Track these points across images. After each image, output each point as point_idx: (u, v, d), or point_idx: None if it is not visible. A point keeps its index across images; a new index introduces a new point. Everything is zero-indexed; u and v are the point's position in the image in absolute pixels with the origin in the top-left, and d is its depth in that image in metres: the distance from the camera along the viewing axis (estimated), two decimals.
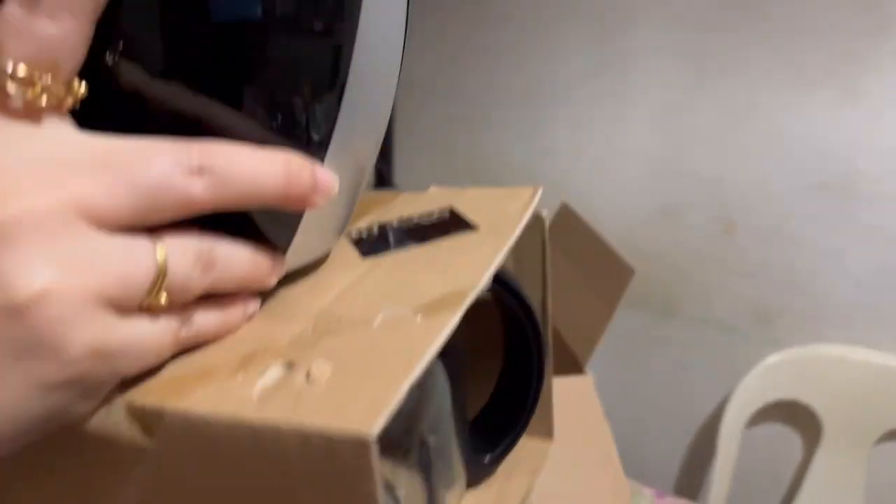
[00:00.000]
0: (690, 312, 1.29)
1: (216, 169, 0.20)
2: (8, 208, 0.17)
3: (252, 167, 0.21)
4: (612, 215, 1.24)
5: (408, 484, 0.29)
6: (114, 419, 0.20)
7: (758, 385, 1.18)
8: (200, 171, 0.20)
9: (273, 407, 0.19)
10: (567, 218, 0.71)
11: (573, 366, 0.61)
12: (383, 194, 0.37)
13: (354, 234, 0.32)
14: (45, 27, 0.18)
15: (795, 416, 1.23)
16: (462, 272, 0.26)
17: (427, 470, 0.30)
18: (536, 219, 0.34)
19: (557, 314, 0.67)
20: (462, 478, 0.34)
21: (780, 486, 1.26)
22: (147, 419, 0.20)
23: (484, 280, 0.25)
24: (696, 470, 1.34)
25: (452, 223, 0.32)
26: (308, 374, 0.20)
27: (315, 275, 0.28)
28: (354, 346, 0.22)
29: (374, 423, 0.17)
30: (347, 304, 0.25)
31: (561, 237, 0.71)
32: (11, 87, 0.18)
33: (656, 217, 1.26)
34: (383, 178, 1.32)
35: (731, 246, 1.21)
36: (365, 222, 0.34)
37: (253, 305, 0.25)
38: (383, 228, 0.32)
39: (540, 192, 0.35)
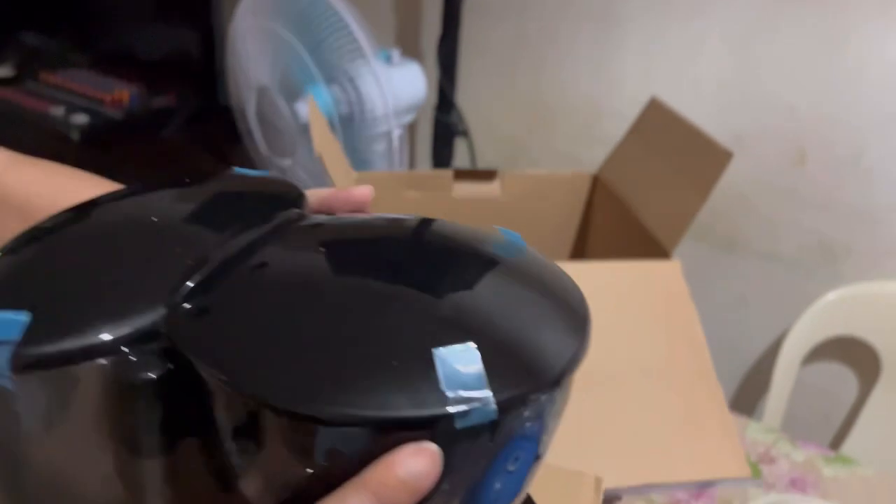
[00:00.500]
0: (755, 246, 1.27)
1: None
2: None
3: None
4: None
5: None
6: None
7: (817, 320, 1.17)
8: None
9: None
10: (656, 111, 0.70)
11: (659, 252, 0.61)
12: None
13: None
14: None
15: (854, 354, 1.22)
16: None
17: None
18: None
19: (642, 206, 0.67)
20: None
21: (833, 422, 1.25)
22: None
23: None
24: (750, 404, 1.34)
25: None
26: None
27: None
28: None
29: None
30: None
31: (650, 131, 0.70)
32: None
33: (726, 146, 1.23)
34: (445, 96, 1.31)
35: (801, 178, 1.19)
36: None
37: None
38: None
39: (603, 486, 0.38)
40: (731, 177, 1.27)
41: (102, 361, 0.21)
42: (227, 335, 0.21)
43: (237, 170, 0.33)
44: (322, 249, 0.26)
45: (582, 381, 0.56)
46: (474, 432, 0.20)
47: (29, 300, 0.22)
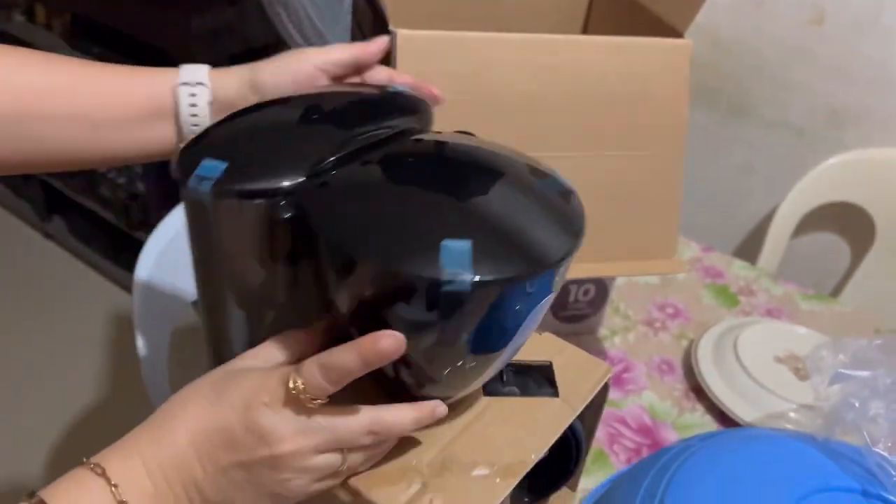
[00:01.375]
0: (763, 112, 1.25)
1: (381, 432, 0.36)
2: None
3: (399, 423, 0.36)
4: None
5: None
6: (336, 490, 0.38)
7: (817, 184, 1.16)
8: (372, 433, 0.36)
9: None
10: None
11: (670, 32, 0.60)
12: None
13: None
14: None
15: (849, 221, 1.21)
16: (534, 437, 0.42)
17: None
18: (604, 387, 0.48)
19: None
20: None
21: (823, 289, 1.27)
22: (352, 493, 0.38)
23: (543, 451, 0.42)
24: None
25: (545, 378, 0.46)
26: (430, 501, 0.37)
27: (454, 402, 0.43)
28: (458, 487, 0.38)
29: None
30: (462, 448, 0.41)
31: None
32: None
33: (742, 4, 1.19)
34: None
35: (817, 38, 1.15)
36: None
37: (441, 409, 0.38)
38: (504, 371, 0.45)
39: (611, 374, 0.48)
40: (745, 37, 1.24)
41: (261, 201, 0.35)
42: (333, 205, 0.34)
43: (394, 87, 0.46)
44: (411, 159, 0.38)
45: (554, 150, 0.57)
46: (457, 294, 0.31)
47: (228, 154, 0.36)
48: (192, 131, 0.45)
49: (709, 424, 0.70)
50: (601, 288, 0.74)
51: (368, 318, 0.35)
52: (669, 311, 0.85)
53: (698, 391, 0.73)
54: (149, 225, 0.81)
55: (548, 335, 0.50)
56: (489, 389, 0.44)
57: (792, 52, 1.19)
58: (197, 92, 0.45)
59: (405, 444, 0.40)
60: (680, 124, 0.60)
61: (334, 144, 0.37)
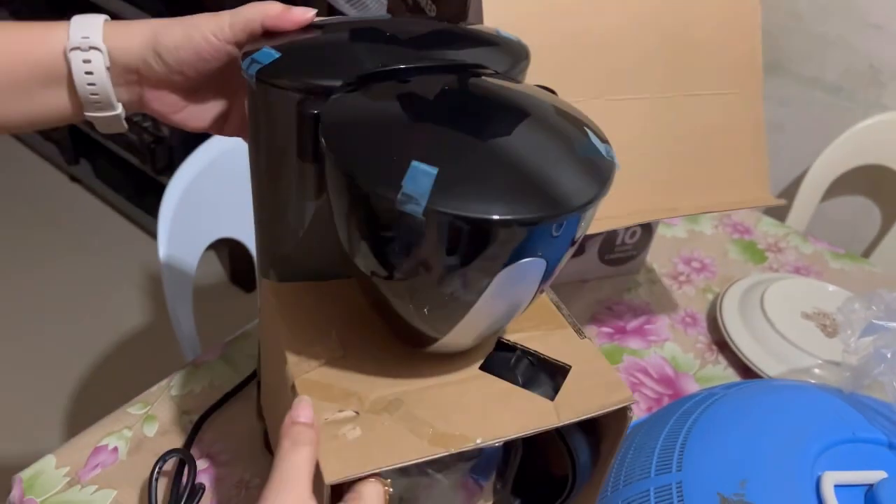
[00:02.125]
0: (799, 69, 1.22)
1: None
2: None
3: None
4: None
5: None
6: (285, 388, 0.39)
7: (850, 146, 1.14)
8: None
9: (323, 439, 0.35)
10: None
11: None
12: (552, 314, 0.46)
13: (502, 339, 0.43)
14: None
15: (882, 183, 1.19)
16: (497, 426, 0.37)
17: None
18: (623, 416, 0.42)
19: None
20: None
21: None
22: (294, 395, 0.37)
23: (491, 442, 0.37)
24: None
25: (554, 379, 0.42)
26: (348, 431, 0.35)
27: (448, 359, 0.41)
28: (385, 432, 0.36)
29: (336, 479, 0.33)
30: (418, 399, 0.38)
31: None
32: None
33: None
34: None
35: None
36: (522, 335, 0.44)
37: None
38: (519, 357, 0.43)
39: (631, 403, 0.41)
40: None
41: (295, 94, 0.35)
42: (345, 112, 0.34)
43: (503, 33, 0.43)
44: (446, 88, 0.36)
45: (636, 92, 0.56)
46: (410, 217, 0.30)
47: (285, 47, 0.37)
48: (90, 100, 0.41)
49: (731, 377, 0.70)
50: (646, 228, 0.74)
51: (354, 231, 0.35)
52: (695, 266, 0.84)
53: (721, 345, 0.73)
54: (173, 169, 0.81)
55: (587, 342, 0.45)
56: (494, 370, 0.42)
57: (830, 7, 1.15)
58: (91, 58, 0.40)
59: (372, 372, 0.39)
60: (756, 60, 0.60)
61: (382, 61, 0.37)
